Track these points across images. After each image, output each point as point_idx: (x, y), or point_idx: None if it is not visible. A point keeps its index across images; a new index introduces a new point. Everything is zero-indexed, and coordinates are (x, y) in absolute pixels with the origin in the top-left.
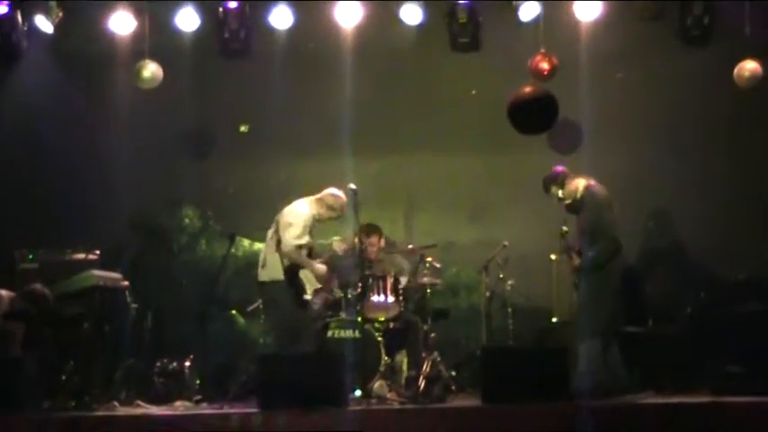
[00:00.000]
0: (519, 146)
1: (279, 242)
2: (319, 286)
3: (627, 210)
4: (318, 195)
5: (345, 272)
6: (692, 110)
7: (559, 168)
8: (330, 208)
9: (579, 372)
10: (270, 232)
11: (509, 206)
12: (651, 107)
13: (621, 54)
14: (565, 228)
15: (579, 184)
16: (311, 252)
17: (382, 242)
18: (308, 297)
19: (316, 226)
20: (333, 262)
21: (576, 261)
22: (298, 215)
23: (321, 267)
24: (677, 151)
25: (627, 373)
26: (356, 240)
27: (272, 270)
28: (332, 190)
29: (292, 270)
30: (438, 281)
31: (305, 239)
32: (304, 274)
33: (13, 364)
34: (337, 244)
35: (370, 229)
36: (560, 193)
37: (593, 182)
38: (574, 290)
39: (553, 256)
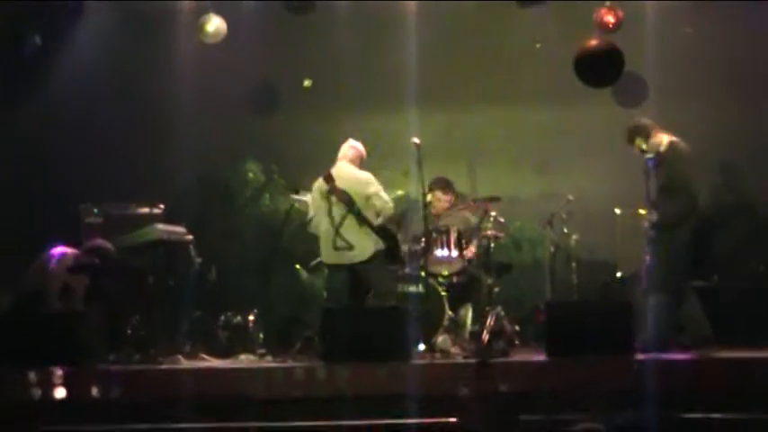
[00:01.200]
0: (584, 99)
1: (362, 220)
2: None
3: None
4: (349, 155)
5: (408, 226)
6: (762, 64)
7: (645, 120)
8: (362, 159)
9: (646, 326)
10: (328, 213)
11: (574, 160)
12: (719, 61)
13: (689, 7)
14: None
15: (663, 138)
16: None
17: (451, 198)
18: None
19: None
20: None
21: (654, 216)
22: (370, 181)
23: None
24: (745, 106)
25: (710, 330)
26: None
27: (364, 248)
28: (354, 142)
29: (386, 228)
30: (502, 234)
31: None
32: None
33: (76, 318)
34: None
35: (440, 184)
36: (644, 145)
37: (676, 138)
38: (647, 244)
39: (617, 211)
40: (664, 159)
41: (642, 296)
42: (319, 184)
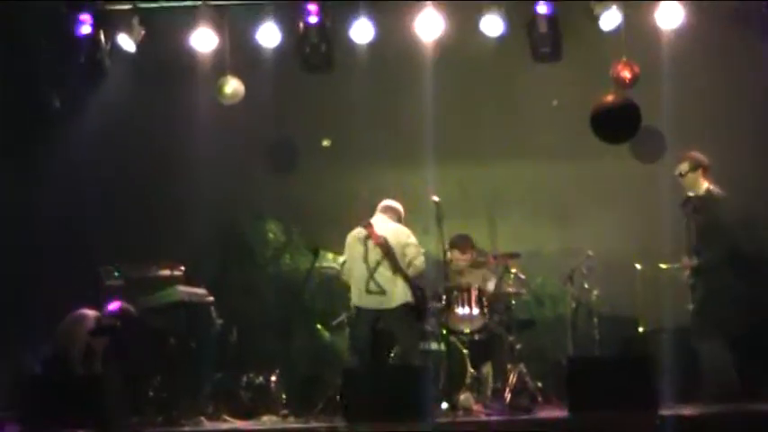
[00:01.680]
0: (602, 154)
1: (396, 267)
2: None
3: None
4: (395, 212)
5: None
6: None
7: (703, 157)
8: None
9: (704, 373)
10: (372, 257)
11: (593, 214)
12: (736, 113)
13: (704, 60)
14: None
15: (704, 184)
16: None
17: (474, 254)
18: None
19: None
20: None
21: (694, 261)
22: (410, 236)
23: None
24: (764, 158)
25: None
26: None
27: (395, 294)
28: (387, 201)
29: (417, 283)
30: (523, 291)
31: None
32: None
33: (98, 381)
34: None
35: (463, 242)
36: (683, 171)
37: (714, 187)
38: (690, 292)
39: (638, 265)
40: (701, 204)
41: (693, 343)
42: (357, 230)
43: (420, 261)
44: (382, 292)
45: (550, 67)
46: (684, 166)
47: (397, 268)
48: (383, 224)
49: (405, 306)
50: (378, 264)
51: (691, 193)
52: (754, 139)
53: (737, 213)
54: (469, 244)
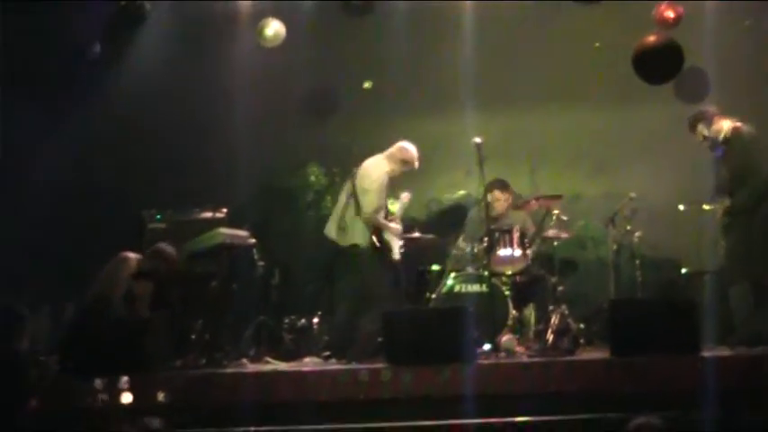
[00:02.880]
0: (645, 97)
1: (357, 209)
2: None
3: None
4: (389, 151)
5: (470, 225)
6: None
7: (708, 107)
8: (402, 162)
9: (734, 318)
10: (345, 192)
11: (635, 157)
12: None
13: (748, 2)
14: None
15: (725, 125)
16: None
17: (510, 198)
18: (394, 254)
19: (392, 182)
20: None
21: (727, 202)
22: (372, 180)
23: (396, 227)
24: None
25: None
26: (485, 192)
27: (354, 235)
28: (402, 144)
29: (379, 233)
30: (565, 234)
31: (381, 201)
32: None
33: (142, 325)
34: (403, 195)
35: (497, 185)
36: (705, 131)
37: (739, 123)
38: (722, 234)
39: (681, 207)
40: (729, 146)
41: (725, 288)
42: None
43: (365, 213)
44: (345, 229)
45: (592, 8)
46: (702, 129)
47: (358, 209)
48: (367, 162)
49: (355, 248)
50: (348, 198)
51: (714, 141)
52: None
53: None
54: (507, 186)
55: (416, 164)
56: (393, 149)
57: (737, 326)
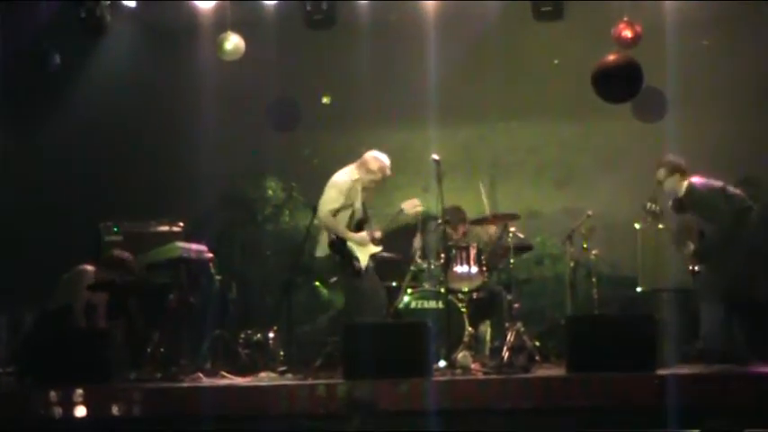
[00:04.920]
0: (604, 114)
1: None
2: (375, 251)
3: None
4: (359, 160)
5: (428, 242)
6: None
7: (677, 159)
8: (370, 171)
9: (701, 336)
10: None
11: (594, 175)
12: (738, 74)
13: (707, 21)
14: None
15: (684, 184)
16: (364, 220)
17: (467, 226)
18: (358, 264)
19: (360, 192)
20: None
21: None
22: (333, 182)
23: (360, 235)
24: (765, 119)
25: (745, 345)
26: (443, 209)
27: (322, 248)
28: (372, 153)
29: (339, 241)
30: (521, 250)
31: (339, 203)
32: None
33: (99, 336)
34: (406, 204)
35: (454, 217)
36: (661, 177)
37: (696, 179)
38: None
39: (638, 225)
40: (688, 203)
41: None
42: None
43: (321, 205)
44: (318, 241)
45: (552, 26)
46: (662, 173)
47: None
48: (340, 171)
49: (327, 257)
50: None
51: (673, 199)
52: (756, 99)
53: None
54: (461, 218)
55: (388, 172)
56: (364, 158)
57: (702, 338)
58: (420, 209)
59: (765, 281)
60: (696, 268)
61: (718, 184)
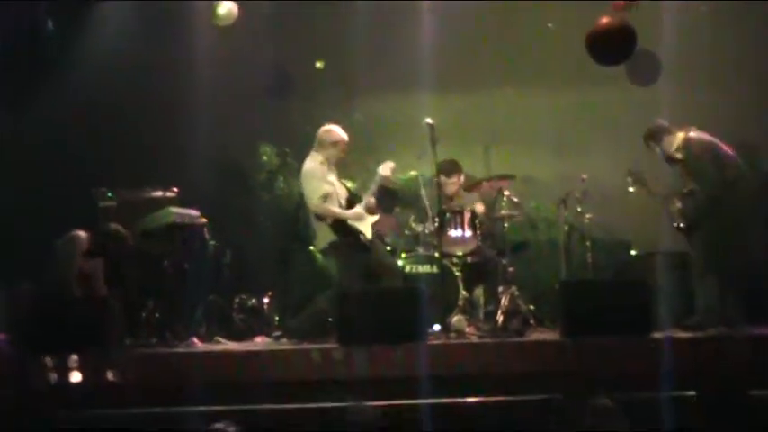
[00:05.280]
0: (598, 79)
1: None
2: (374, 219)
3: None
4: (316, 141)
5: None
6: None
7: (659, 122)
8: (332, 145)
9: (697, 307)
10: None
11: (589, 140)
12: (734, 39)
13: None
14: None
15: (677, 138)
16: (351, 196)
17: (461, 178)
18: (364, 237)
19: (334, 168)
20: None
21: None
22: (305, 174)
23: (355, 211)
24: (761, 84)
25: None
26: (438, 173)
27: (323, 237)
28: (324, 127)
29: (339, 223)
30: (516, 213)
31: (322, 190)
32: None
33: (98, 302)
34: (382, 167)
35: (449, 167)
36: (657, 149)
37: (692, 133)
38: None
39: (631, 189)
40: (682, 156)
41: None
42: None
43: (307, 200)
44: (315, 235)
45: None
46: (654, 146)
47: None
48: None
49: (333, 243)
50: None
51: (669, 156)
52: (752, 64)
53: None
54: (456, 169)
55: (345, 139)
56: (318, 138)
57: (699, 310)
58: (394, 169)
59: (755, 251)
60: (681, 225)
61: (710, 139)
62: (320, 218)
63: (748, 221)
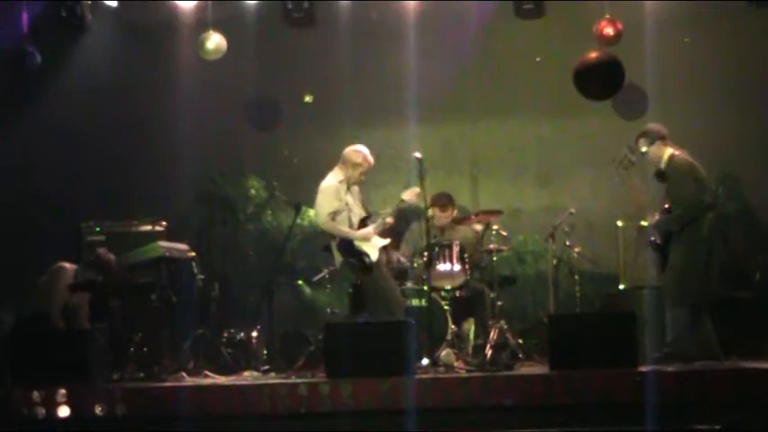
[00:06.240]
0: (585, 112)
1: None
2: (383, 243)
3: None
4: (341, 160)
5: (412, 240)
6: (761, 75)
7: (657, 127)
8: (355, 165)
9: (667, 340)
10: None
11: (575, 172)
12: (718, 71)
13: (688, 18)
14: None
15: (666, 152)
16: (367, 216)
17: (455, 212)
18: (369, 260)
19: (351, 190)
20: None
21: (656, 219)
22: (322, 189)
23: (364, 231)
24: (745, 116)
25: (717, 344)
26: (426, 206)
27: (337, 254)
28: (350, 147)
29: (345, 243)
30: (504, 247)
31: (333, 207)
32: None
33: (81, 336)
34: (406, 194)
35: (444, 200)
36: (644, 148)
37: (679, 152)
38: (652, 249)
39: (620, 223)
40: (667, 172)
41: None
42: None
43: (317, 215)
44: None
45: (534, 23)
46: (642, 144)
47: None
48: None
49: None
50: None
51: (660, 165)
52: (737, 96)
53: (715, 170)
54: (450, 202)
55: (371, 159)
56: (344, 155)
57: (668, 344)
58: (419, 195)
59: (726, 282)
60: (658, 242)
61: (693, 161)
62: (330, 236)
63: (716, 248)
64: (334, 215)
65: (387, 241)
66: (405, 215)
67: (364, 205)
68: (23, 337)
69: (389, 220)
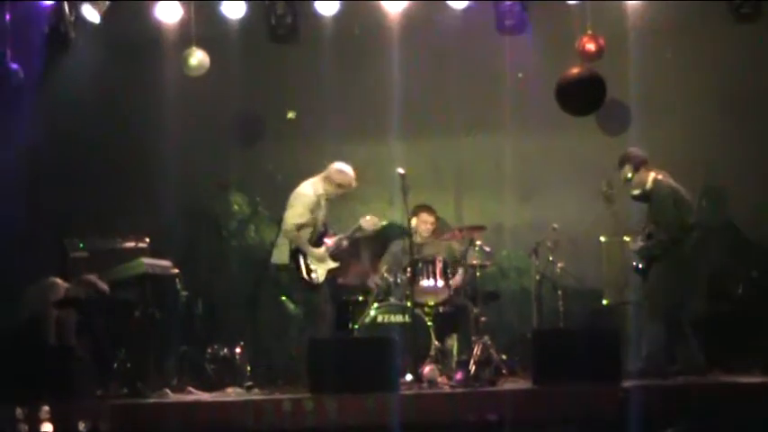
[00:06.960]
0: (568, 127)
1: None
2: (333, 266)
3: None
4: (324, 173)
5: (395, 256)
6: (743, 88)
7: (639, 152)
8: (337, 185)
9: (644, 354)
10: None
11: (558, 188)
12: (701, 86)
13: (670, 33)
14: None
15: (650, 177)
16: (324, 233)
17: (435, 222)
18: (316, 277)
19: (324, 205)
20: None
21: (639, 245)
22: (299, 195)
23: (320, 251)
24: (728, 129)
25: (700, 358)
26: (409, 222)
27: (279, 253)
28: (337, 165)
29: (296, 253)
30: (488, 263)
31: (304, 219)
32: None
33: (66, 352)
34: (365, 221)
35: (422, 209)
36: (629, 174)
37: (661, 176)
38: (635, 273)
39: (603, 239)
40: (650, 197)
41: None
42: None
43: (286, 219)
44: (274, 245)
45: (516, 39)
46: (627, 170)
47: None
48: (303, 183)
49: (279, 267)
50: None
51: (637, 192)
52: (719, 110)
53: (699, 183)
54: (431, 210)
55: (353, 184)
56: (329, 170)
57: (643, 358)
58: (377, 224)
59: (709, 296)
60: (641, 266)
61: (675, 184)
62: (285, 236)
63: (697, 269)
64: (301, 227)
65: (336, 264)
66: (386, 234)
67: (326, 219)
68: (5, 353)
69: (345, 243)
